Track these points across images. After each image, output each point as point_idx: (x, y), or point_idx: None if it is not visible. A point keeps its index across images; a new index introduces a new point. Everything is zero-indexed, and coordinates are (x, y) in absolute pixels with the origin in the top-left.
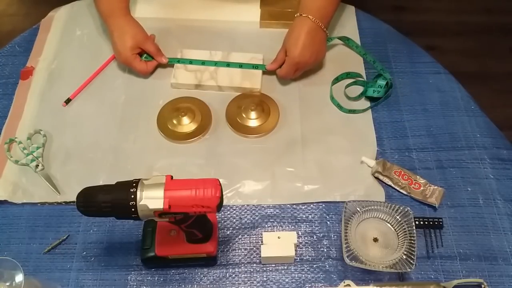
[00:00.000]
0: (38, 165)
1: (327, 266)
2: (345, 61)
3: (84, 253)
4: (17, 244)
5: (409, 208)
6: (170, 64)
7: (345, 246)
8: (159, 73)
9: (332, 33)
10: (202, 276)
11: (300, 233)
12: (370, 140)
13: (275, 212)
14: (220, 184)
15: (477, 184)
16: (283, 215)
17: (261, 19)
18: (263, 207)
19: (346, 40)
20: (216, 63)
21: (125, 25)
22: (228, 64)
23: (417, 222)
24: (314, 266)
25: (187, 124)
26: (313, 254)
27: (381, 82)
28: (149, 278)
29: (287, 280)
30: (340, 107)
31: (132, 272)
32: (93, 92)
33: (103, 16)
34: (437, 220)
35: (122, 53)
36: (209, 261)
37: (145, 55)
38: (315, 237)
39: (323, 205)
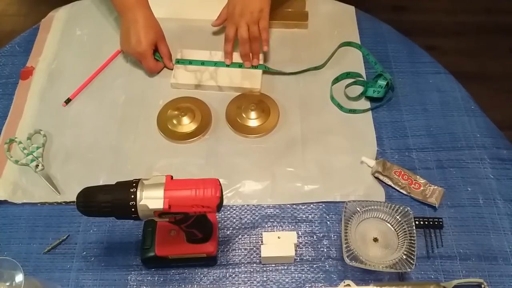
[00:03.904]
0: (38, 165)
1: (327, 266)
2: (345, 61)
3: (84, 253)
4: (17, 244)
5: (409, 208)
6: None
7: (345, 246)
8: (159, 73)
9: (333, 34)
10: (202, 276)
11: (300, 233)
12: (370, 140)
13: (275, 212)
14: (220, 184)
15: (477, 184)
16: (283, 215)
17: None
18: (263, 207)
19: (348, 44)
20: (216, 63)
21: (149, 17)
22: (228, 64)
23: (417, 222)
24: (314, 266)
25: (187, 124)
26: (313, 254)
27: (381, 82)
28: (149, 278)
29: (287, 280)
30: (340, 107)
31: (132, 272)
32: (93, 92)
33: (126, 6)
34: (437, 220)
35: (142, 44)
36: (209, 261)
37: (157, 54)
38: (315, 237)
39: (323, 205)
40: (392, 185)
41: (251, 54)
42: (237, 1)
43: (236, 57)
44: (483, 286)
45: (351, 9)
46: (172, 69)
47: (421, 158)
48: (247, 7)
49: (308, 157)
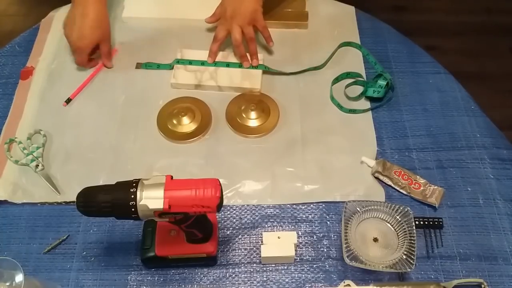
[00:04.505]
0: (38, 165)
1: (327, 266)
2: (345, 61)
3: (84, 253)
4: (17, 244)
5: (409, 208)
6: (169, 65)
7: (345, 246)
8: (159, 73)
9: (333, 34)
10: (202, 276)
11: (300, 233)
12: (370, 140)
13: (275, 212)
14: (220, 184)
15: (477, 184)
16: (283, 215)
17: None
18: (263, 207)
19: (348, 44)
20: (216, 63)
21: (100, 14)
22: (228, 64)
23: (417, 222)
24: (314, 266)
25: (187, 124)
26: (313, 254)
27: (381, 82)
28: (149, 278)
29: (287, 280)
30: (340, 107)
31: (132, 272)
32: (93, 92)
33: None
34: (437, 220)
35: (84, 41)
36: (209, 261)
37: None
38: (315, 237)
39: (323, 205)
40: (392, 185)
41: (249, 55)
42: (228, 3)
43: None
44: (483, 286)
45: (351, 9)
46: (111, 68)
47: (421, 158)
48: (238, 9)
49: (308, 157)
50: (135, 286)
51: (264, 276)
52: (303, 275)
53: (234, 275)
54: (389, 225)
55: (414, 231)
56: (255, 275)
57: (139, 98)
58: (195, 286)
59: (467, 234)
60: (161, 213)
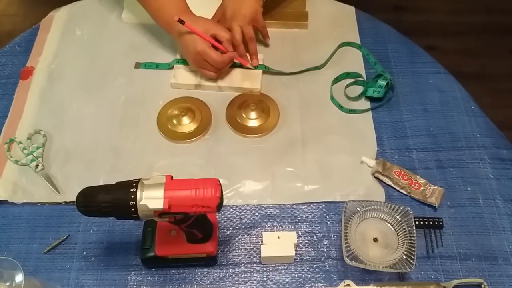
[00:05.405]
0: (38, 165)
1: (327, 266)
2: (345, 61)
3: (84, 253)
4: (17, 244)
5: (409, 208)
6: (168, 64)
7: (345, 246)
8: (159, 73)
9: (333, 34)
10: (202, 276)
11: (300, 233)
12: (370, 140)
13: (275, 212)
14: (220, 184)
15: (477, 184)
16: (283, 215)
17: None
18: (263, 207)
19: (348, 44)
20: None
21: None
22: None
23: (417, 222)
24: (314, 266)
25: (187, 124)
26: (313, 254)
27: (381, 82)
28: (149, 278)
29: (287, 280)
30: (340, 107)
31: (132, 272)
32: (93, 92)
33: (169, 23)
34: (437, 220)
35: (197, 44)
36: (209, 261)
37: (147, 64)
38: (315, 237)
39: (323, 205)
40: (392, 185)
41: (249, 55)
42: (228, 4)
43: None
44: (483, 286)
45: (351, 9)
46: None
47: (421, 158)
48: (239, 9)
49: (308, 157)
50: (135, 286)
51: (264, 276)
52: (303, 275)
53: (234, 275)
54: (389, 225)
55: (414, 231)
56: (255, 275)
57: (139, 98)
58: (195, 286)
59: (467, 234)
60: (161, 213)
